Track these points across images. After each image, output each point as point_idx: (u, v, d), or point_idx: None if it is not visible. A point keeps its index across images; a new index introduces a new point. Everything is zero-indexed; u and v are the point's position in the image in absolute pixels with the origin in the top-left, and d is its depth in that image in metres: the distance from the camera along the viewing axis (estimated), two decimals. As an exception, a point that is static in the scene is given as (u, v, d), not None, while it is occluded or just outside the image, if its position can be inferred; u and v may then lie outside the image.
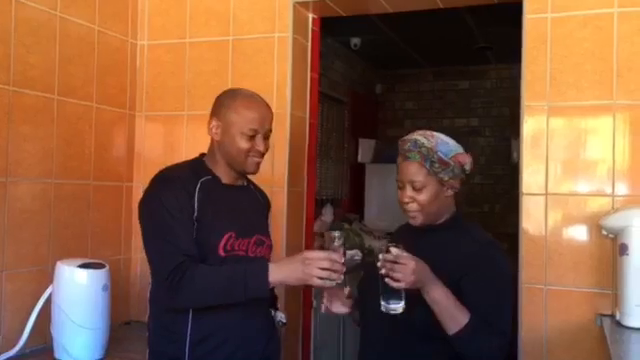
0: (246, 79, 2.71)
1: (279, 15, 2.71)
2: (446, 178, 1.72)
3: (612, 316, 2.15)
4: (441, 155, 1.71)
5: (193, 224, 1.76)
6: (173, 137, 2.88)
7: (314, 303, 3.13)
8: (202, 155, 1.95)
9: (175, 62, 2.86)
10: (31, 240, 2.33)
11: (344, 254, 1.68)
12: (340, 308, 1.86)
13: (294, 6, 2.71)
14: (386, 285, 1.60)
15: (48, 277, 2.26)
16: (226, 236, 1.80)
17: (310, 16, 2.87)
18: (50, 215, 2.41)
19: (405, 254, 1.59)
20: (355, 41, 5.21)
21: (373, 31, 4.82)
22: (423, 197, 1.73)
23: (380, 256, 1.60)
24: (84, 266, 2.19)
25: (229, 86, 2.72)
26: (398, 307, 1.61)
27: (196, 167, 1.89)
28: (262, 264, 1.71)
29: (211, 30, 2.81)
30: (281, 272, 1.68)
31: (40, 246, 2.37)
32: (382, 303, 1.62)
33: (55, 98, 2.43)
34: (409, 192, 1.74)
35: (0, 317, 2.21)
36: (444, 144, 1.74)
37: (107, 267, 2.26)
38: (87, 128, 2.60)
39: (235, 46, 2.78)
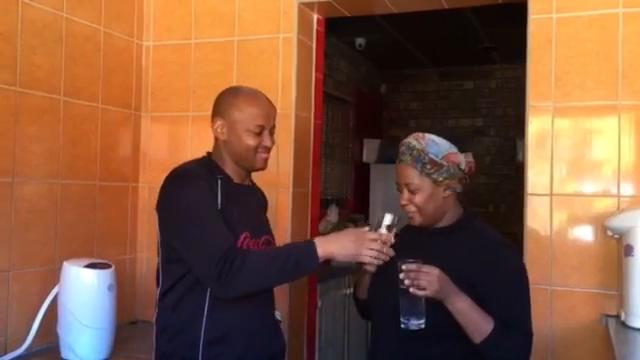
0: (251, 80, 2.70)
1: (284, 16, 2.72)
2: (440, 179, 1.73)
3: (617, 317, 2.14)
4: (432, 156, 1.72)
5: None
6: (178, 137, 2.89)
7: (319, 303, 3.14)
8: (209, 154, 1.95)
9: (180, 63, 2.87)
10: (37, 240, 2.34)
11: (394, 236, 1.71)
12: (371, 267, 1.78)
13: (299, 7, 2.72)
14: (407, 302, 1.61)
15: (54, 277, 2.28)
16: (242, 236, 1.80)
17: (315, 17, 2.88)
18: (56, 215, 2.42)
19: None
20: (360, 41, 5.22)
21: (378, 31, 4.82)
22: (419, 199, 1.74)
23: (403, 267, 1.60)
24: (90, 266, 2.21)
25: (234, 87, 2.75)
26: (419, 324, 1.61)
27: (209, 165, 1.88)
28: (306, 241, 1.73)
29: (216, 31, 2.82)
30: (331, 246, 1.68)
31: (46, 246, 2.38)
32: (402, 320, 1.62)
33: (61, 99, 2.44)
34: (406, 194, 1.76)
35: (7, 316, 2.22)
36: (434, 145, 1.74)
37: (113, 267, 2.27)
38: (93, 129, 2.61)
39: (240, 47, 2.78)
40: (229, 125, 1.84)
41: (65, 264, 2.22)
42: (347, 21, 3.10)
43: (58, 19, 2.42)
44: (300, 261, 1.68)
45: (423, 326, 1.61)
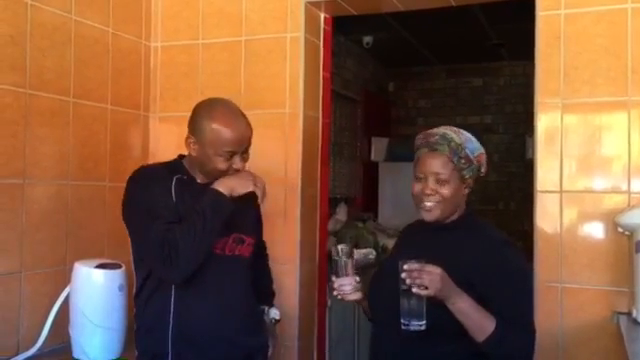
0: (258, 79, 2.73)
1: (291, 15, 2.72)
2: (467, 175, 1.74)
3: (629, 314, 2.13)
4: (468, 152, 1.72)
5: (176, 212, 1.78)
6: (187, 138, 2.90)
7: (329, 302, 3.14)
8: (181, 157, 1.97)
9: (188, 63, 2.88)
10: (48, 241, 2.35)
11: (351, 269, 1.81)
12: (353, 295, 1.84)
13: (306, 6, 2.72)
14: (408, 303, 1.59)
15: (65, 278, 2.29)
16: None
17: (322, 15, 2.88)
18: (67, 216, 2.44)
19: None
20: (367, 39, 5.21)
21: (385, 29, 4.82)
22: (446, 191, 1.72)
23: (405, 266, 1.58)
24: (101, 266, 2.22)
25: (242, 87, 2.76)
26: (420, 325, 1.60)
27: (172, 167, 1.92)
28: (208, 190, 1.79)
29: (223, 31, 2.83)
30: (224, 183, 1.79)
31: (57, 247, 2.39)
32: (403, 321, 1.61)
33: (70, 100, 2.45)
34: (432, 184, 1.73)
35: (19, 317, 2.24)
36: (470, 142, 1.76)
37: (123, 267, 2.28)
38: (102, 130, 2.63)
39: (247, 47, 2.79)
40: (200, 143, 1.83)
41: (76, 265, 2.23)
42: (354, 19, 3.09)
43: (67, 21, 2.44)
44: (213, 204, 1.73)
45: (424, 327, 1.60)
